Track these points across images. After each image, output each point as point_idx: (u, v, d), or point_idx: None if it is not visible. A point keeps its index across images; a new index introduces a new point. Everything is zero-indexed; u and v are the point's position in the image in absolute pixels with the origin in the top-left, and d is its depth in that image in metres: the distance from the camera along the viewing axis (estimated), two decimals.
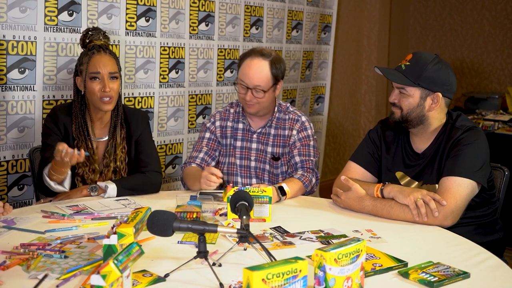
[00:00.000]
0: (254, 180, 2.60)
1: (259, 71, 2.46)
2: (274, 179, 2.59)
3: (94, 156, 2.40)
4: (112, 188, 2.28)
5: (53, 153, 2.15)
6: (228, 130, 2.61)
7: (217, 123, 2.62)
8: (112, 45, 2.96)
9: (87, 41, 2.41)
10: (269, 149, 2.58)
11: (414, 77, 2.12)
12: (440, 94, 2.13)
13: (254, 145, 2.59)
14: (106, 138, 2.44)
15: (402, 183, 2.21)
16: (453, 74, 2.18)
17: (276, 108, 2.59)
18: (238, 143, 2.61)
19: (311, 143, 2.56)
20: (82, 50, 2.44)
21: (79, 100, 2.40)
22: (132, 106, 3.11)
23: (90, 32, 2.42)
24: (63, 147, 2.07)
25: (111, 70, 2.35)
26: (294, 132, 2.55)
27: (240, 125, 2.61)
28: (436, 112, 2.16)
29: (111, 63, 2.36)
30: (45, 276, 1.39)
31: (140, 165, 2.47)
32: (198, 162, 2.55)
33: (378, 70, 2.21)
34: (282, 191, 2.29)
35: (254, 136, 2.59)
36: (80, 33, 2.76)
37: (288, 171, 2.57)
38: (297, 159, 2.52)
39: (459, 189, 2.00)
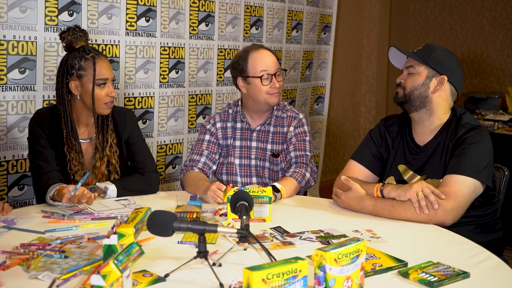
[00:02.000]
0: (254, 179, 2.60)
1: (273, 56, 2.57)
2: (274, 176, 2.59)
3: (83, 158, 2.37)
4: (112, 189, 2.28)
5: (53, 180, 2.20)
6: (229, 131, 2.62)
7: (218, 125, 2.62)
8: (112, 45, 2.97)
9: (73, 45, 2.32)
10: (269, 146, 2.58)
11: (423, 56, 2.19)
12: (445, 77, 2.16)
13: (254, 144, 2.60)
14: (94, 136, 2.42)
15: (405, 177, 2.21)
16: (461, 69, 2.25)
17: (275, 106, 2.60)
18: (237, 143, 2.61)
19: (307, 138, 2.57)
20: (68, 52, 2.35)
21: (66, 103, 2.35)
22: (132, 108, 3.11)
23: (77, 31, 2.33)
24: (79, 192, 2.06)
25: (113, 74, 2.37)
26: (291, 128, 2.57)
27: (239, 125, 2.61)
28: (439, 98, 2.17)
29: (110, 67, 2.37)
30: (53, 281, 1.38)
31: (136, 166, 2.46)
32: (200, 167, 2.54)
33: (394, 48, 2.27)
34: (275, 190, 2.29)
35: (254, 134, 2.60)
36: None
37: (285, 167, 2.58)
38: (292, 154, 2.53)
39: (461, 187, 2.00)
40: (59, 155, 2.34)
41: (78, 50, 2.32)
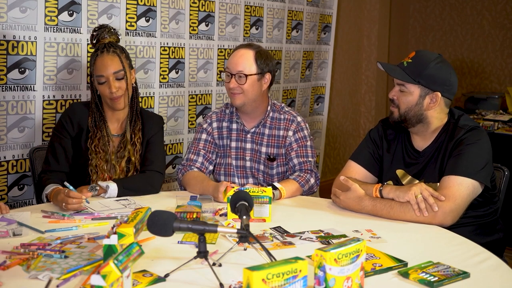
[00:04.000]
0: (250, 180, 2.59)
1: (242, 57, 2.47)
2: (269, 180, 2.57)
3: (107, 150, 2.43)
4: (113, 188, 2.29)
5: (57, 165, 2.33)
6: (224, 131, 2.60)
7: (214, 124, 2.61)
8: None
9: (94, 41, 2.44)
10: (264, 149, 2.56)
11: (414, 74, 2.13)
12: (439, 94, 2.13)
13: (248, 145, 2.58)
14: (122, 133, 2.48)
15: (403, 182, 2.21)
16: (455, 75, 2.17)
17: (269, 107, 2.58)
18: (233, 144, 2.60)
19: (308, 143, 2.55)
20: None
21: (95, 97, 2.45)
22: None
23: (95, 32, 2.44)
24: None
25: (114, 70, 2.35)
26: (290, 133, 2.54)
27: (234, 125, 2.60)
28: (435, 112, 2.16)
29: (113, 62, 2.35)
30: (50, 281, 1.39)
31: (145, 163, 2.48)
32: (198, 166, 2.53)
33: (380, 65, 2.22)
34: (274, 188, 2.29)
35: (248, 136, 2.58)
36: (80, 33, 2.78)
37: (287, 173, 2.56)
38: (295, 161, 2.52)
39: (460, 188, 2.00)
40: (81, 148, 2.41)
41: (96, 47, 2.42)
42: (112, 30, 2.46)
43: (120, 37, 2.50)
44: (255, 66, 2.46)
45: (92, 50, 2.46)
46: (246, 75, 2.44)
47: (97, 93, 2.44)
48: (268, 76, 2.51)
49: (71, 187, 2.11)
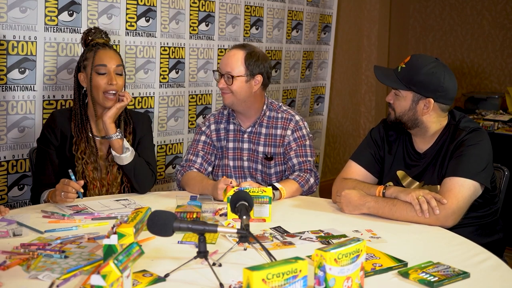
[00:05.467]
0: (248, 180, 2.58)
1: (232, 58, 2.47)
2: (267, 179, 2.58)
3: (96, 154, 2.39)
4: (128, 155, 2.33)
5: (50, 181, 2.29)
6: (222, 133, 2.60)
7: (212, 127, 2.61)
8: (112, 45, 2.96)
9: (89, 39, 2.43)
10: (261, 148, 2.56)
11: (406, 80, 2.14)
12: (431, 100, 2.12)
13: (245, 145, 2.58)
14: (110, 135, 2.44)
15: (403, 183, 2.21)
16: (452, 80, 2.14)
17: (265, 106, 2.57)
18: (230, 144, 2.59)
19: (307, 142, 2.54)
20: (84, 49, 2.46)
21: (80, 98, 2.42)
22: (133, 108, 3.11)
23: (92, 30, 2.45)
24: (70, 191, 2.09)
25: (116, 63, 2.38)
26: (289, 132, 2.53)
27: (231, 126, 2.60)
28: (430, 117, 2.16)
29: (116, 58, 2.40)
30: (52, 284, 1.39)
31: None
32: (197, 167, 2.54)
33: (375, 71, 2.24)
34: (274, 188, 2.29)
35: (245, 136, 2.58)
36: (80, 33, 2.77)
37: (286, 172, 2.56)
38: (295, 161, 2.51)
39: (461, 189, 2.00)
40: (67, 156, 2.37)
41: (90, 45, 2.41)
42: (107, 34, 2.47)
43: (110, 43, 2.51)
44: (243, 68, 2.45)
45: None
46: (233, 76, 2.44)
47: (83, 91, 2.42)
48: (259, 78, 2.49)
49: (73, 177, 2.11)
